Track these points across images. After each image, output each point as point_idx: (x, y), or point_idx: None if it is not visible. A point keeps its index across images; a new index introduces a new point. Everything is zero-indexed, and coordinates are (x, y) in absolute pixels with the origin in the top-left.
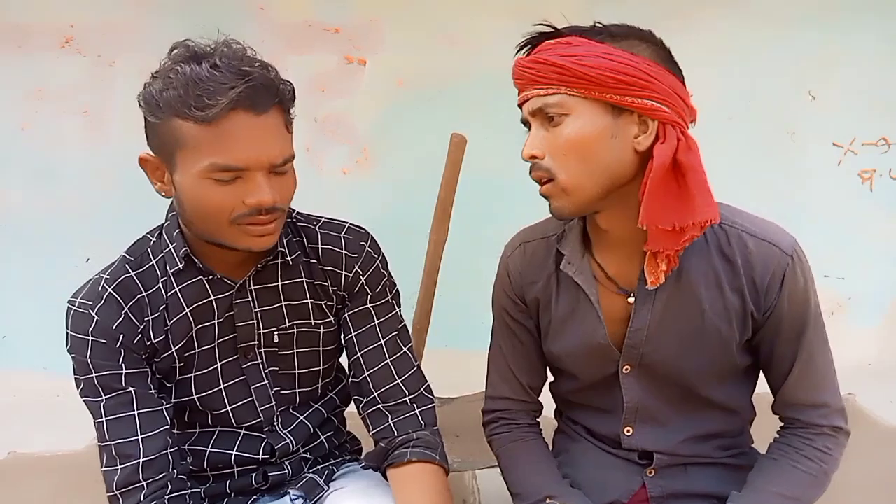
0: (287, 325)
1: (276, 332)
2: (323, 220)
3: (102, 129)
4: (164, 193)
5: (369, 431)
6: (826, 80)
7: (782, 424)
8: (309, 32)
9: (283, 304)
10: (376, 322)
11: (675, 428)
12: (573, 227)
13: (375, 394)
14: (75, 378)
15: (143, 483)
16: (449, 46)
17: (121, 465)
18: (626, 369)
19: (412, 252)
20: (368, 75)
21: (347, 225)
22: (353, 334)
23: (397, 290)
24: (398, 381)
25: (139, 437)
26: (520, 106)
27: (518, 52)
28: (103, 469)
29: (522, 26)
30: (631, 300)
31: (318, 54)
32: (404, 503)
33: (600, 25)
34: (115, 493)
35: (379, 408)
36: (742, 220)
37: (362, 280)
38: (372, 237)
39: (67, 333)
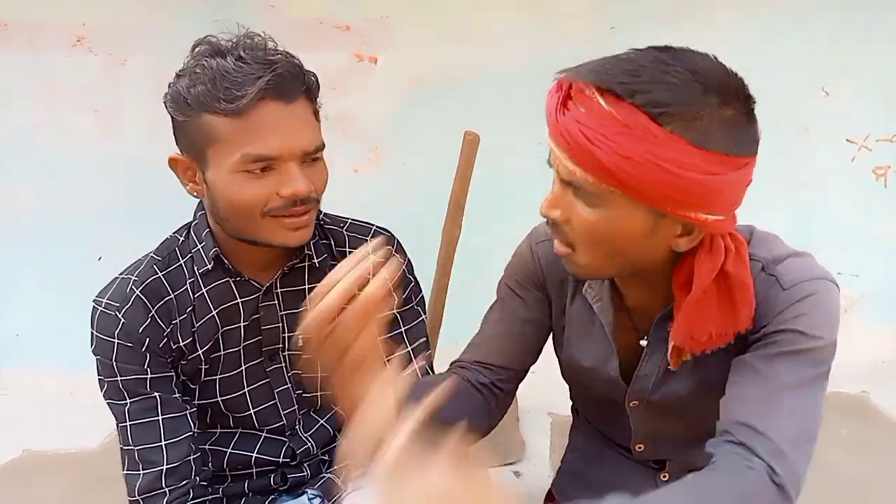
0: None
1: (301, 336)
2: (350, 222)
3: (114, 128)
4: (195, 194)
5: None
6: (840, 76)
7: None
8: (320, 30)
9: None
10: (402, 329)
11: (687, 442)
12: None
13: None
14: (99, 379)
15: (166, 490)
16: (460, 43)
17: (143, 470)
18: (634, 404)
19: (425, 250)
20: (379, 73)
21: (374, 228)
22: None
23: (423, 297)
24: None
25: (163, 443)
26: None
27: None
28: (125, 472)
29: (535, 23)
30: (643, 342)
31: (328, 52)
32: None
33: (678, 95)
34: (137, 497)
35: None
36: (773, 261)
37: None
38: (398, 241)
39: (92, 334)
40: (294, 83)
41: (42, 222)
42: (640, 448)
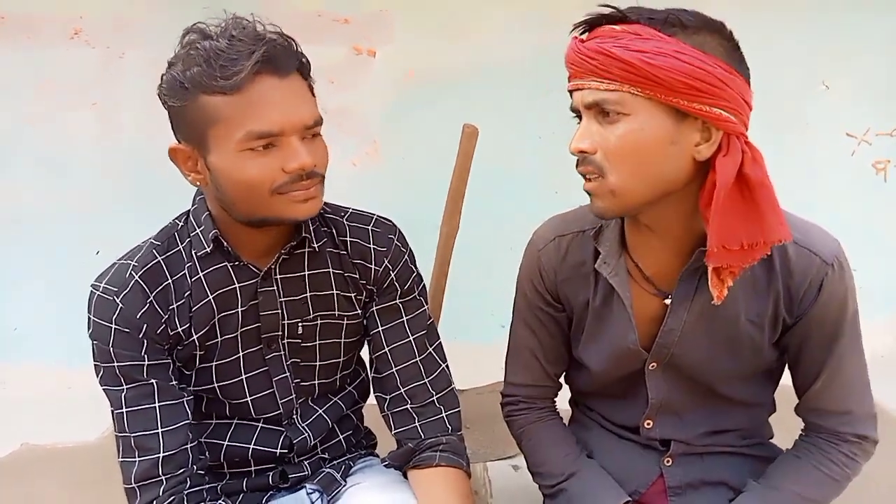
0: (311, 316)
1: (300, 324)
2: (350, 211)
3: (111, 122)
4: (197, 183)
5: (391, 430)
6: (840, 70)
7: (806, 426)
8: (318, 23)
9: (308, 294)
10: (405, 318)
11: (694, 421)
12: (610, 222)
13: (402, 391)
14: (95, 364)
15: (163, 478)
16: (459, 37)
17: (140, 457)
18: (653, 366)
19: (423, 244)
20: (378, 66)
21: (375, 217)
22: (380, 329)
23: (424, 287)
24: (426, 380)
25: (160, 430)
26: (570, 91)
27: (574, 30)
28: (121, 459)
29: (533, 17)
30: (667, 301)
31: (327, 45)
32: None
33: (673, 14)
34: (133, 485)
35: (406, 408)
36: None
37: (392, 275)
38: (399, 231)
39: (89, 318)
40: (287, 57)
41: (40, 216)
42: (648, 424)
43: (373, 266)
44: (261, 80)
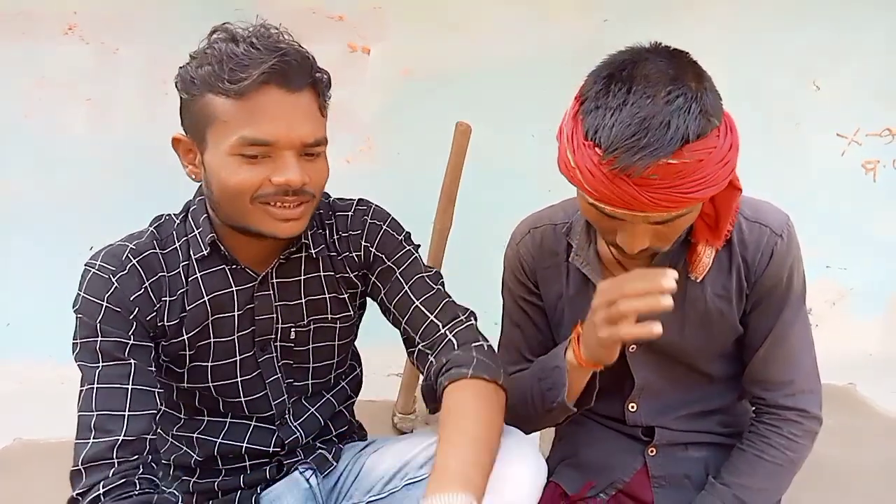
0: (305, 321)
1: (292, 329)
2: (335, 203)
3: (106, 117)
4: (193, 177)
5: (424, 363)
6: (831, 71)
7: (753, 409)
8: (312, 20)
9: (303, 300)
10: (398, 272)
11: (676, 402)
12: (580, 217)
13: (416, 336)
14: (74, 342)
15: (115, 461)
16: (454, 35)
17: (95, 438)
18: (632, 349)
19: (416, 241)
20: (372, 64)
21: (354, 206)
22: (382, 294)
23: (413, 241)
24: (431, 317)
25: (126, 413)
26: (602, 208)
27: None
28: (76, 441)
29: (528, 15)
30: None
31: (321, 43)
32: (441, 438)
33: (695, 105)
34: (80, 467)
35: (420, 348)
36: (739, 204)
37: (373, 251)
38: (374, 208)
39: (79, 295)
40: (300, 73)
41: (33, 211)
42: (632, 407)
43: (353, 252)
44: (266, 90)
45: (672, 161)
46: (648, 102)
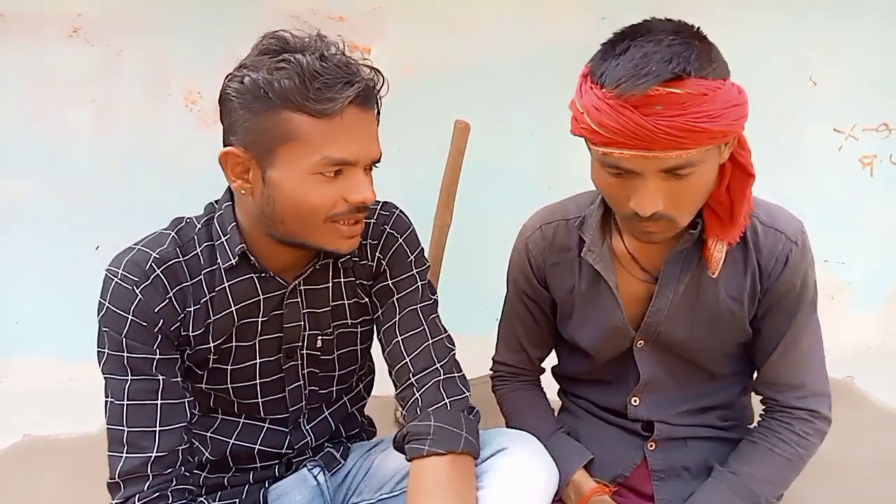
0: (330, 329)
1: (319, 337)
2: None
3: (110, 119)
4: (242, 192)
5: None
6: (827, 65)
7: (763, 407)
8: (313, 20)
9: (329, 307)
10: (395, 297)
11: (679, 398)
12: (593, 212)
13: (392, 372)
14: (100, 350)
15: (150, 475)
16: (453, 33)
17: (129, 453)
18: (640, 344)
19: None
20: (373, 63)
21: (378, 211)
22: (379, 313)
23: (424, 258)
24: (406, 360)
25: (157, 428)
26: (612, 153)
27: (605, 86)
28: (109, 453)
29: (526, 13)
30: (656, 282)
31: None
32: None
33: (698, 51)
34: (118, 479)
35: (396, 389)
36: (754, 206)
37: (384, 264)
38: (396, 217)
39: (103, 304)
40: (373, 92)
41: (40, 212)
42: (635, 402)
43: (366, 261)
44: (350, 110)
45: (675, 90)
46: (651, 44)
